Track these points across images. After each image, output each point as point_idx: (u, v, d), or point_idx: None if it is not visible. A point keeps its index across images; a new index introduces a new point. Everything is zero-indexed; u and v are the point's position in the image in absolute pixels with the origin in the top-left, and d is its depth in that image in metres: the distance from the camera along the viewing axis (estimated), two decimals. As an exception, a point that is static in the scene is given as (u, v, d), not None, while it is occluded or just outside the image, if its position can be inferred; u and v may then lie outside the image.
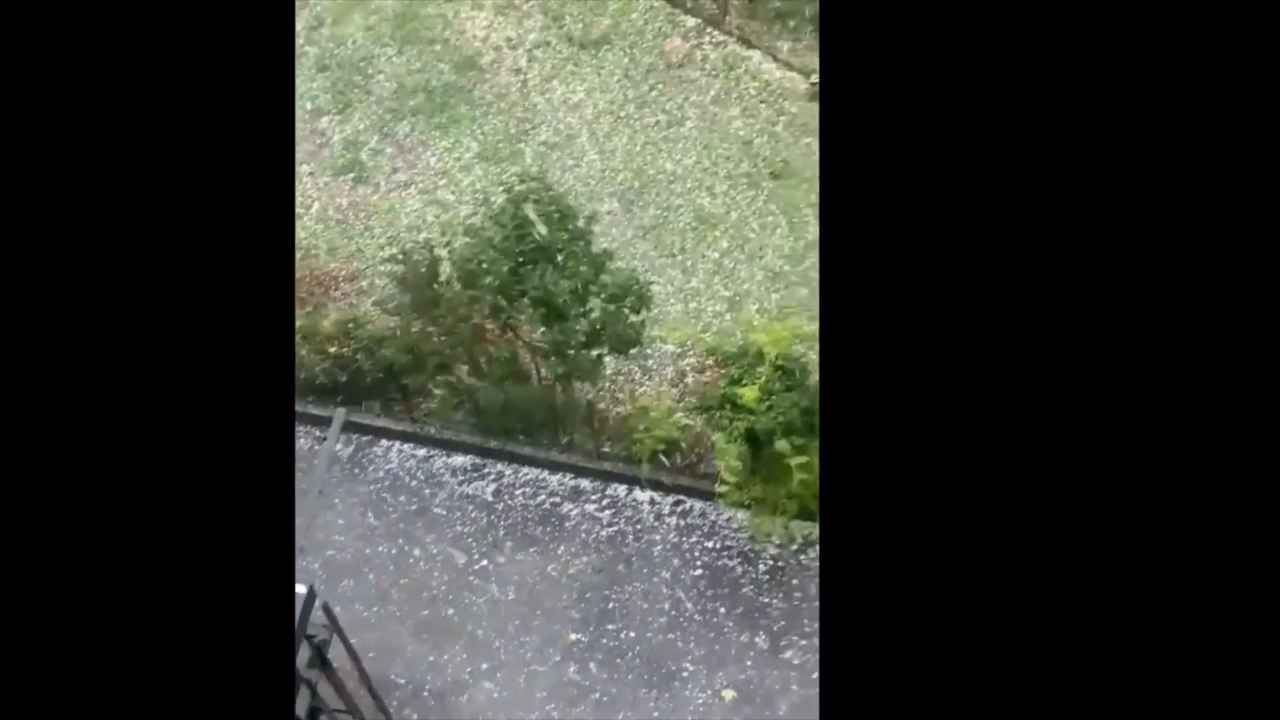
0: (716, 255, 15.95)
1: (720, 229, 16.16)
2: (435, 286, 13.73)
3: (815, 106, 17.02)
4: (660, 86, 17.50)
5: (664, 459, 14.29)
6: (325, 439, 12.14)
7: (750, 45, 17.69)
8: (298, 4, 17.99)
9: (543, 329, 13.31)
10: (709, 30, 17.90)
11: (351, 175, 16.86)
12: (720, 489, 13.47)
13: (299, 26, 17.73)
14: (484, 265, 12.83)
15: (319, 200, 16.66)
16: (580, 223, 13.30)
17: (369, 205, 16.67)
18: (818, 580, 13.65)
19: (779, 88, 17.30)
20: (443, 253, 13.79)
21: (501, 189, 13.95)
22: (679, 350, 15.19)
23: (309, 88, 17.51)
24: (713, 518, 14.18)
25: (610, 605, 13.69)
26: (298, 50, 17.51)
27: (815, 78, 17.09)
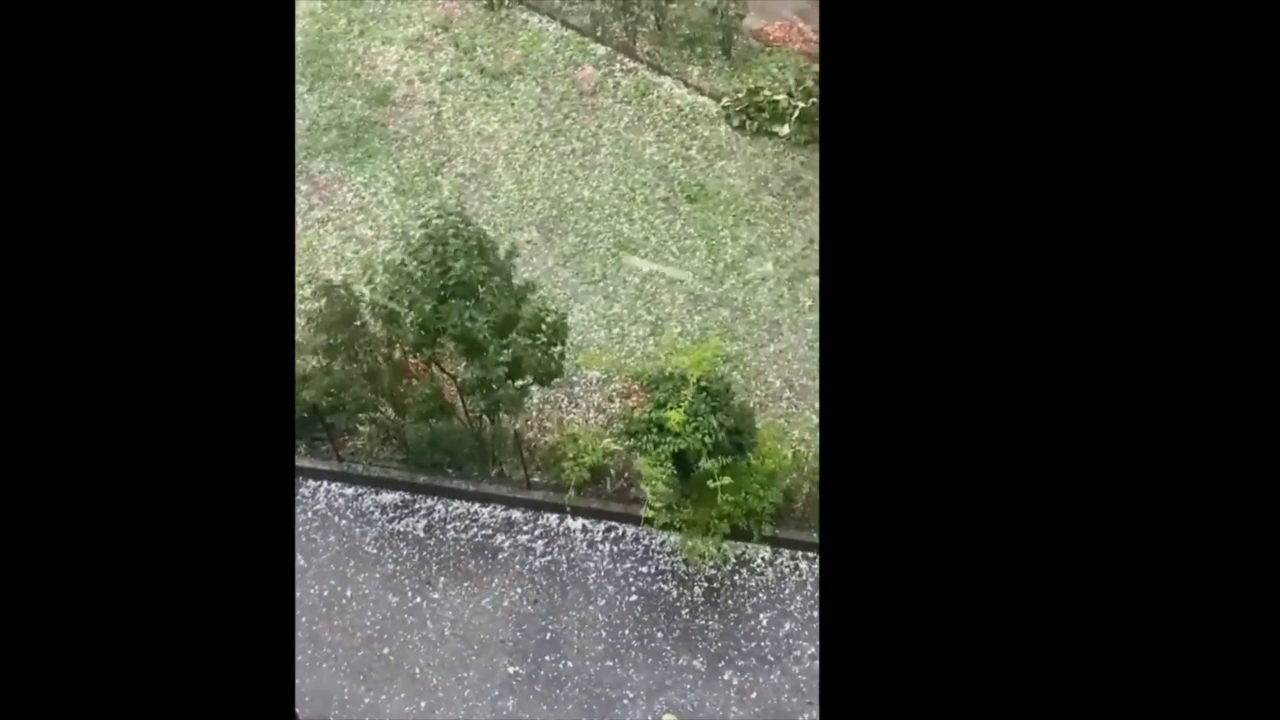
0: (637, 280, 16.04)
1: (640, 254, 16.26)
2: (356, 324, 13.66)
3: (727, 129, 17.23)
4: (574, 115, 17.60)
5: (594, 486, 14.32)
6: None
7: (661, 71, 17.87)
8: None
9: (464, 364, 13.28)
10: (619, 58, 18.05)
11: (267, 215, 16.72)
12: (647, 513, 13.51)
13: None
14: (405, 302, 12.79)
15: (235, 242, 16.49)
16: (500, 255, 13.31)
17: (286, 245, 16.55)
18: (755, 599, 13.74)
19: (691, 112, 17.48)
20: (363, 289, 13.72)
21: (419, 223, 13.92)
22: (604, 377, 15.24)
23: (220, 129, 17.34)
24: (645, 542, 14.22)
25: (547, 636, 13.67)
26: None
27: (726, 101, 17.29)
